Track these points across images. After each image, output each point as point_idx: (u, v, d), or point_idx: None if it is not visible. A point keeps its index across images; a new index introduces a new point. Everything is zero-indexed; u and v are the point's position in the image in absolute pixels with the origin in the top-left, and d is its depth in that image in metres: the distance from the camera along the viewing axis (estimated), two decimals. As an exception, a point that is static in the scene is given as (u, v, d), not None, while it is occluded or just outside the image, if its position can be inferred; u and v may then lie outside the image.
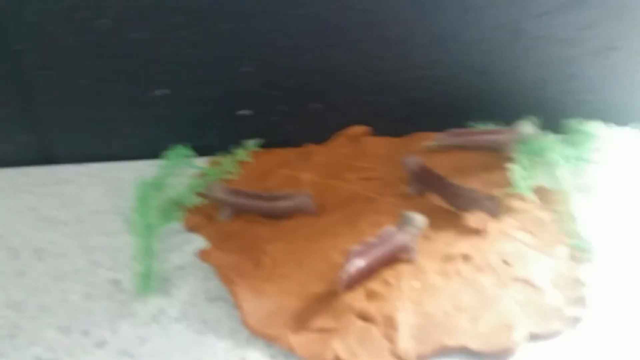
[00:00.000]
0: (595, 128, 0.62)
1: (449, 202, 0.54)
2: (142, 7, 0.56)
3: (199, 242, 0.53)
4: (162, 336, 0.44)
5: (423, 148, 0.63)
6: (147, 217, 0.52)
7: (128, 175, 0.61)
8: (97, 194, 0.59)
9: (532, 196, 0.54)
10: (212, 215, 0.56)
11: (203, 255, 0.50)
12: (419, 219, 0.49)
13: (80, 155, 0.65)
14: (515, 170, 0.55)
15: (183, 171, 0.61)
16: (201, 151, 0.63)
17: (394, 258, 0.49)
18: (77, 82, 0.60)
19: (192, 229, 0.54)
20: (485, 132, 0.62)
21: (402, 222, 0.49)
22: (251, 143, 0.64)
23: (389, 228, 0.49)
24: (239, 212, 0.55)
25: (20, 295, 0.48)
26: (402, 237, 0.48)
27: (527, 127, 0.59)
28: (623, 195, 0.56)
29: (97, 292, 0.48)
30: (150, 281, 0.48)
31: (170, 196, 0.57)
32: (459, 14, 0.59)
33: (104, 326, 0.45)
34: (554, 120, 0.63)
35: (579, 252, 0.49)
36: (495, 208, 0.53)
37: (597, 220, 0.52)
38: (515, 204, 0.54)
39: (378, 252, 0.47)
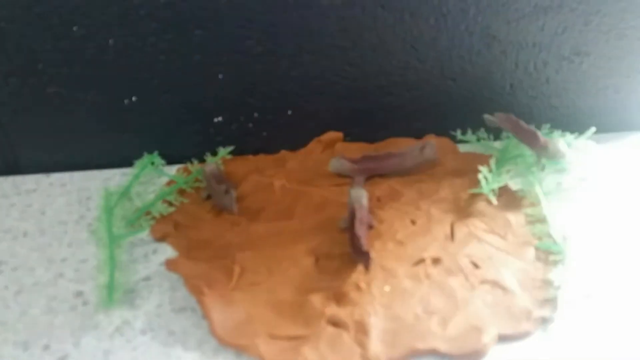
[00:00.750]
0: (568, 137, 0.63)
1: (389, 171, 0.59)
2: (114, 14, 0.55)
3: (166, 251, 0.52)
4: (127, 349, 0.43)
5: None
6: (112, 227, 0.51)
7: (95, 184, 0.60)
8: (61, 204, 0.58)
9: (494, 199, 0.54)
10: (179, 222, 0.55)
11: (170, 264, 0.49)
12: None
13: (46, 165, 0.63)
14: (483, 173, 0.56)
15: (152, 180, 0.60)
16: (173, 159, 0.63)
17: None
18: (44, 89, 0.59)
19: (159, 238, 0.53)
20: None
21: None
22: (223, 150, 0.63)
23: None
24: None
25: (-22, 310, 0.46)
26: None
27: (561, 145, 0.58)
28: (594, 199, 0.56)
29: (59, 305, 0.47)
30: (114, 293, 0.47)
31: (137, 205, 0.56)
32: (433, 21, 0.59)
33: (65, 340, 0.44)
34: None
35: (548, 254, 0.49)
36: (431, 153, 0.59)
37: (567, 223, 0.53)
38: (485, 207, 0.55)
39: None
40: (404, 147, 0.61)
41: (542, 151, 0.58)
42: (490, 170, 0.57)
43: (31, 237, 0.54)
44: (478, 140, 0.65)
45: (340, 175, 0.60)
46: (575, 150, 0.62)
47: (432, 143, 0.60)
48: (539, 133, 0.58)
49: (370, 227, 0.52)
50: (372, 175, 0.59)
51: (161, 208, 0.55)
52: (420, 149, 0.59)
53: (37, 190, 0.60)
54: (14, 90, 0.59)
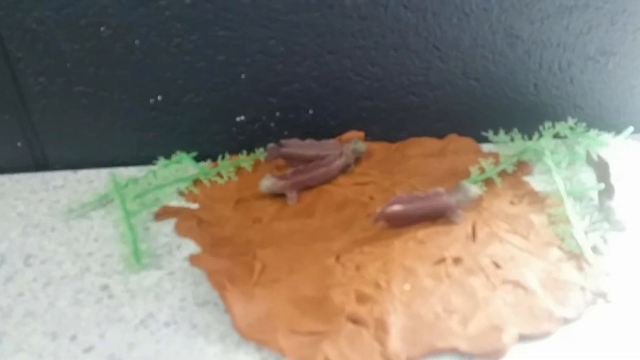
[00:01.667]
0: (596, 135, 0.62)
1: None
2: (140, 14, 0.57)
3: (189, 247, 0.53)
4: (151, 341, 0.44)
5: None
6: (125, 204, 0.55)
7: (121, 181, 0.61)
8: (90, 201, 0.59)
9: (481, 191, 0.55)
10: (203, 219, 0.56)
11: (193, 260, 0.50)
12: (472, 190, 0.53)
13: (73, 162, 0.65)
14: (472, 170, 0.58)
15: (174, 173, 0.61)
16: (196, 158, 0.64)
17: (436, 215, 0.53)
18: (73, 89, 0.61)
19: (182, 233, 0.54)
20: (320, 146, 0.61)
21: (455, 189, 0.53)
22: (259, 151, 0.64)
23: (439, 189, 0.53)
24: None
25: (7, 301, 0.48)
26: (447, 199, 0.52)
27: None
28: (621, 200, 0.56)
29: (86, 298, 0.48)
30: (140, 256, 0.50)
31: (151, 191, 0.58)
32: (455, 20, 0.59)
33: (91, 331, 0.45)
34: (547, 126, 0.63)
35: (571, 255, 0.49)
36: (360, 150, 0.61)
37: (592, 224, 0.52)
38: (507, 207, 0.54)
39: (419, 204, 0.52)
40: (329, 155, 0.60)
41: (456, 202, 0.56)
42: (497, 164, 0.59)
43: (59, 231, 0.55)
44: (512, 140, 0.65)
45: (272, 194, 0.58)
46: (613, 149, 0.61)
47: (355, 140, 0.61)
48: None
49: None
50: (303, 188, 0.58)
51: (168, 192, 0.58)
52: (343, 151, 0.60)
53: (64, 186, 0.62)
54: (43, 89, 0.60)
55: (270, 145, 0.61)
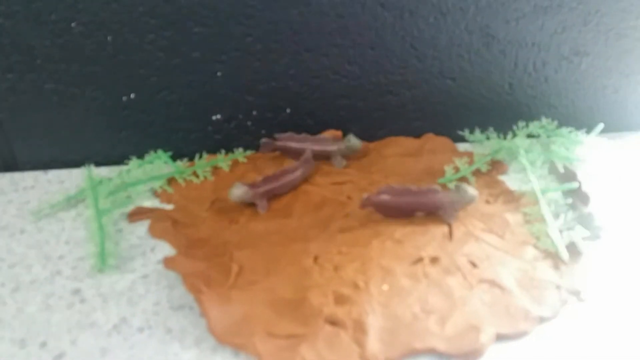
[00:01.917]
0: (574, 134, 0.63)
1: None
2: (113, 10, 0.55)
3: (164, 249, 0.52)
4: (124, 347, 0.43)
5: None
6: (98, 202, 0.54)
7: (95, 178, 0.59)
8: (59, 201, 0.58)
9: (452, 187, 0.56)
10: (178, 220, 0.55)
11: (168, 262, 0.49)
12: (470, 191, 0.52)
13: (43, 162, 0.63)
14: (447, 170, 0.59)
15: (149, 172, 0.60)
16: (172, 158, 0.63)
17: (427, 211, 0.53)
18: (43, 86, 0.59)
19: (156, 235, 0.53)
20: (315, 140, 0.62)
21: (453, 189, 0.53)
22: (239, 151, 0.64)
23: (436, 186, 0.53)
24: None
25: (-26, 307, 0.46)
26: (441, 197, 0.52)
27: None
28: (596, 198, 0.56)
29: (56, 303, 0.46)
30: (106, 258, 0.49)
31: (124, 189, 0.58)
32: (432, 20, 0.59)
33: (62, 337, 0.43)
34: (520, 125, 0.64)
35: (546, 254, 0.49)
36: (354, 148, 0.61)
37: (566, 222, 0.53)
38: (483, 206, 0.55)
39: (409, 198, 0.52)
40: (293, 164, 0.59)
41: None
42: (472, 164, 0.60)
43: (29, 234, 0.54)
44: (488, 138, 0.65)
45: (243, 203, 0.56)
46: (587, 147, 0.62)
47: (349, 137, 0.61)
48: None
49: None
50: (272, 196, 0.57)
51: (141, 191, 0.58)
52: (305, 161, 0.59)
53: (35, 187, 0.60)
54: (12, 86, 0.58)
55: (264, 139, 0.61)
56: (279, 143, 0.62)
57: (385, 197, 0.52)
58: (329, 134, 0.64)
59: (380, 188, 0.52)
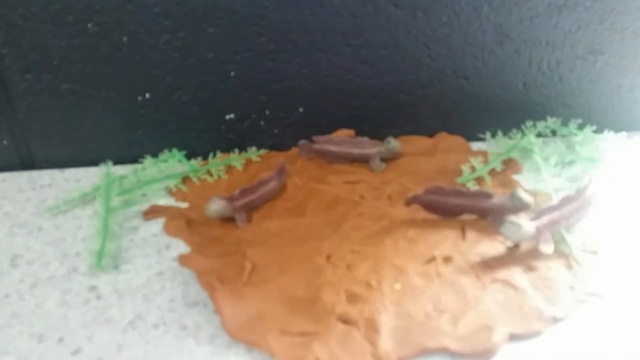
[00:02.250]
0: (590, 132, 0.63)
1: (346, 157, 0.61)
2: (128, 11, 0.56)
3: (179, 247, 0.52)
4: (140, 343, 0.43)
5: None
6: (109, 200, 0.55)
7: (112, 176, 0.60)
8: (74, 198, 0.58)
9: (473, 187, 0.57)
10: (192, 219, 0.55)
11: (183, 260, 0.49)
12: (525, 199, 0.50)
13: (60, 160, 0.64)
14: (464, 169, 0.58)
15: (163, 171, 0.61)
16: (186, 157, 0.63)
17: (479, 215, 0.52)
18: (60, 86, 0.60)
19: (171, 233, 0.54)
20: (354, 143, 0.62)
21: (509, 195, 0.51)
22: (252, 150, 0.64)
23: (491, 191, 0.51)
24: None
25: (-6, 302, 0.47)
26: (494, 202, 0.51)
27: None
28: (612, 198, 0.56)
29: (73, 299, 0.47)
30: (103, 259, 0.50)
31: (139, 187, 0.58)
32: (445, 19, 0.59)
33: (79, 333, 0.44)
34: (536, 124, 0.64)
35: (560, 254, 0.49)
36: (394, 150, 0.60)
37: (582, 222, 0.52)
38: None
39: (456, 201, 0.52)
40: (269, 174, 0.57)
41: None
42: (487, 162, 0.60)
43: (46, 231, 0.55)
44: (508, 138, 0.65)
45: (222, 217, 0.53)
46: (608, 146, 0.62)
47: (389, 139, 0.61)
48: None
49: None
50: (251, 208, 0.55)
51: (156, 189, 0.58)
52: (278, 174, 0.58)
53: (52, 185, 0.61)
54: (30, 86, 0.59)
55: (302, 141, 0.61)
56: (316, 146, 0.61)
57: (430, 197, 0.52)
58: (342, 132, 0.65)
59: (429, 188, 0.52)
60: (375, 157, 0.61)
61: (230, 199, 0.54)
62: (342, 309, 0.44)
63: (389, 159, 0.62)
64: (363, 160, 0.62)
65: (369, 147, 0.61)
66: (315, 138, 0.61)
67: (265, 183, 0.56)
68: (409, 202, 0.53)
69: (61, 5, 0.55)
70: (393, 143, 0.61)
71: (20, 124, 0.62)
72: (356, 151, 0.61)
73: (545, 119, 0.66)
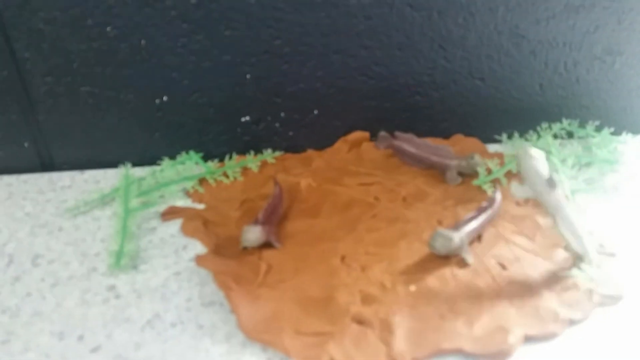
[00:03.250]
0: (607, 134, 0.62)
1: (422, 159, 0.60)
2: (146, 15, 0.57)
3: (195, 247, 0.53)
4: (157, 341, 0.44)
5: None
6: (128, 202, 0.56)
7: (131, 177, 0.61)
8: (94, 199, 0.59)
9: (490, 189, 0.57)
10: (209, 220, 0.56)
11: (199, 260, 0.50)
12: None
13: (80, 162, 0.65)
14: (480, 171, 0.58)
15: (181, 172, 0.61)
16: (202, 159, 0.64)
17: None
18: (79, 89, 0.61)
19: (188, 234, 0.54)
20: (434, 150, 0.60)
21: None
22: (268, 152, 0.64)
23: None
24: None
25: (15, 301, 0.48)
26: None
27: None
28: (629, 200, 0.55)
29: (93, 298, 0.48)
30: (121, 258, 0.50)
31: (157, 188, 0.59)
32: (461, 20, 0.59)
33: (98, 331, 0.45)
34: (551, 125, 0.63)
35: (576, 256, 0.48)
36: (474, 167, 0.58)
37: (600, 224, 0.52)
38: (513, 208, 0.54)
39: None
40: (273, 190, 0.55)
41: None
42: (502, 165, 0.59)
43: (66, 232, 0.56)
44: (526, 139, 0.65)
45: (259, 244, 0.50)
46: (626, 148, 0.61)
47: (473, 154, 0.58)
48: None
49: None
50: (276, 226, 0.53)
51: (174, 190, 0.59)
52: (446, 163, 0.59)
53: (71, 186, 0.62)
54: (50, 89, 0.61)
55: (382, 132, 0.60)
56: (395, 142, 0.59)
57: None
58: (358, 134, 0.65)
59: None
60: (454, 169, 0.58)
61: (259, 223, 0.51)
62: (357, 309, 0.44)
63: (466, 174, 0.59)
64: (439, 169, 0.59)
65: (448, 158, 0.59)
66: (397, 134, 0.60)
67: (277, 197, 0.55)
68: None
69: (81, 9, 0.56)
70: (477, 159, 0.58)
71: (41, 127, 0.63)
72: (435, 158, 0.59)
73: (561, 121, 0.65)
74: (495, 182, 0.58)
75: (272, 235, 0.52)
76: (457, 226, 0.49)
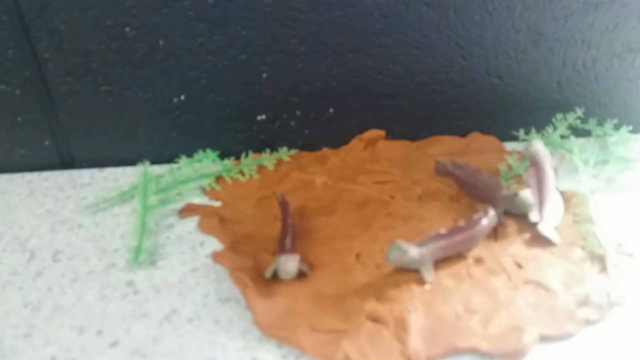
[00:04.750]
0: (626, 132, 0.61)
1: (469, 189, 0.56)
2: (164, 15, 0.57)
3: (212, 244, 0.54)
4: (175, 336, 0.45)
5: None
6: (146, 199, 0.57)
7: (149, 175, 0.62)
8: (113, 196, 0.60)
9: (511, 186, 0.57)
10: (225, 217, 0.56)
11: (216, 257, 0.51)
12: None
13: (99, 160, 0.66)
14: (501, 168, 0.58)
15: (198, 170, 0.62)
16: (219, 157, 0.65)
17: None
18: (99, 88, 0.62)
19: (205, 231, 0.55)
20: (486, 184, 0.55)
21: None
22: (283, 150, 0.65)
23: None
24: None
25: (37, 295, 0.49)
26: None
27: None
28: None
29: (112, 293, 0.49)
30: (139, 254, 0.51)
31: (175, 186, 0.60)
32: (478, 18, 0.58)
33: (117, 326, 0.46)
34: (566, 116, 0.63)
35: (593, 256, 0.48)
36: (518, 207, 0.52)
37: (618, 223, 0.51)
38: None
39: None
40: (284, 210, 0.53)
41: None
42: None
43: (86, 228, 0.57)
44: (543, 136, 0.64)
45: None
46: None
47: (517, 192, 0.52)
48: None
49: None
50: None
51: (191, 188, 0.60)
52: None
53: (91, 184, 0.63)
54: (70, 88, 0.62)
55: (439, 160, 0.58)
56: (449, 168, 0.57)
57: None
58: (373, 132, 0.65)
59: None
60: (501, 203, 0.53)
61: (286, 251, 0.49)
62: (372, 307, 0.45)
63: (511, 213, 0.53)
64: (487, 202, 0.54)
65: (493, 191, 0.54)
66: (456, 161, 0.57)
67: (290, 217, 0.53)
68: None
69: (100, 10, 0.57)
70: (520, 200, 0.52)
71: (61, 125, 0.64)
72: (482, 193, 0.55)
73: (580, 118, 0.64)
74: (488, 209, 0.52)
75: (302, 261, 0.49)
76: (423, 241, 0.47)
